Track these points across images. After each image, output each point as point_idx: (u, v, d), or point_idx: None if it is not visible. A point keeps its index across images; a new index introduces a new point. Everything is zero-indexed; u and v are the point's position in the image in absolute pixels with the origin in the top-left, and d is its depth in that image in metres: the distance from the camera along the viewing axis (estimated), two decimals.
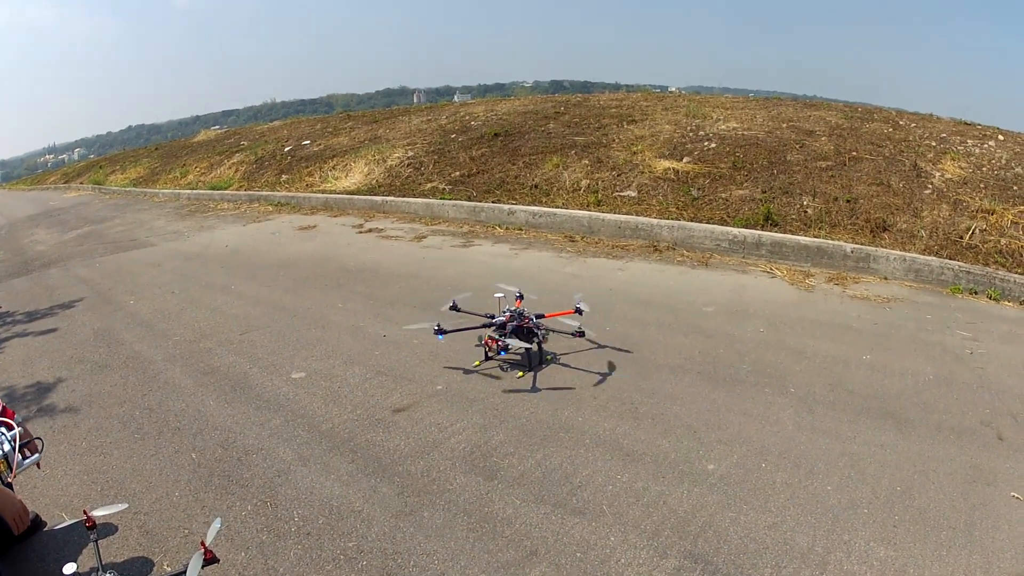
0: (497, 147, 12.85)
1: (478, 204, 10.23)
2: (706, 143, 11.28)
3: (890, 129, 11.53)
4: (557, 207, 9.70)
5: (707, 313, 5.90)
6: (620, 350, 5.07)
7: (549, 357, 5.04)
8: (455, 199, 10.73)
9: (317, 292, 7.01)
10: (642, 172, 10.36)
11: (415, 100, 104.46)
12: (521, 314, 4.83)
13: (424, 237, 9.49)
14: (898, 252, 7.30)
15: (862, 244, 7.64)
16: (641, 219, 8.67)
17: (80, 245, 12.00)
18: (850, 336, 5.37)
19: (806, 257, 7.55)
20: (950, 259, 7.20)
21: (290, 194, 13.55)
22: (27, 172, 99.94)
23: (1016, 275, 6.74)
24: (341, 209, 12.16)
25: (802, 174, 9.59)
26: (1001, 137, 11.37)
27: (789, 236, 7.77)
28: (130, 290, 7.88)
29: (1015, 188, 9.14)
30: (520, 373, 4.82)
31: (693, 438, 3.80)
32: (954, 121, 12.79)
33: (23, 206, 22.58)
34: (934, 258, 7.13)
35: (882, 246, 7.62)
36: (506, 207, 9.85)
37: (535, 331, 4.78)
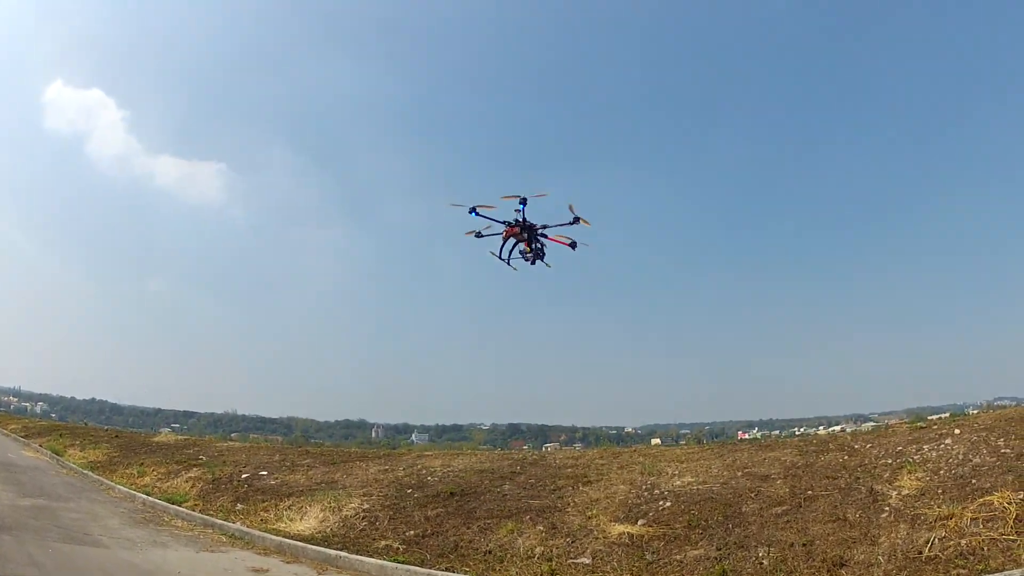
0: (452, 507, 13.30)
1: (432, 572, 10.44)
2: (661, 502, 11.71)
3: (845, 457, 12.10)
4: None
5: None
6: None
7: (548, 264, 7.22)
8: (408, 563, 10.93)
9: None
10: (596, 538, 10.69)
11: (374, 435, 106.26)
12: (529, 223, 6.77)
13: None
14: None
15: None
16: None
17: (35, 518, 12.12)
18: None
19: None
20: None
21: (245, 528, 13.63)
22: None
23: None
24: (294, 556, 12.25)
25: (757, 524, 9.93)
26: (957, 431, 12.09)
27: None
28: None
29: (974, 481, 9.60)
30: (531, 260, 7.44)
31: None
32: (910, 427, 13.75)
33: None
34: None
35: None
36: None
37: (538, 236, 6.76)
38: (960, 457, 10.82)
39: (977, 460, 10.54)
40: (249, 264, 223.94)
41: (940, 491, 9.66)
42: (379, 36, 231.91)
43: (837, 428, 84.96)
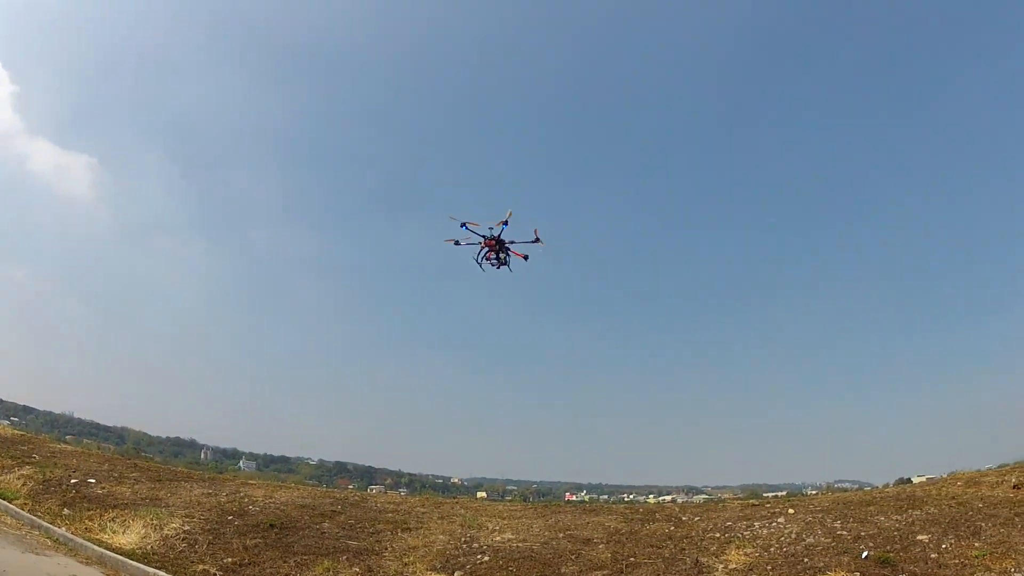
0: (271, 539, 14.08)
1: None
2: (479, 556, 12.42)
3: (671, 527, 12.82)
4: None
5: None
6: None
7: (511, 270, 12.93)
8: None
9: None
10: None
11: (203, 456, 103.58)
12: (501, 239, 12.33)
13: None
14: None
15: None
16: None
17: None
18: None
19: None
20: None
21: (70, 535, 14.09)
22: None
23: None
24: (115, 569, 12.74)
25: None
26: (792, 511, 12.81)
27: None
28: None
29: (807, 560, 10.16)
30: (495, 267, 12.45)
31: None
32: (742, 503, 14.71)
33: None
34: None
35: None
36: None
37: (505, 247, 12.47)
38: (793, 536, 11.42)
39: (811, 540, 11.15)
40: (110, 266, 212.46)
41: (770, 567, 10.24)
42: (276, 60, 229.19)
43: (667, 498, 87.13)
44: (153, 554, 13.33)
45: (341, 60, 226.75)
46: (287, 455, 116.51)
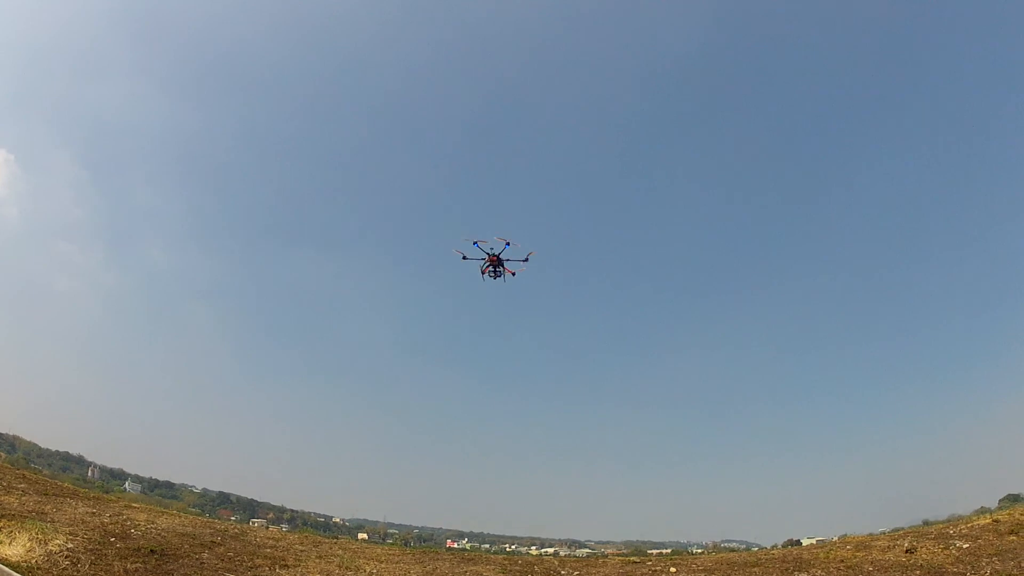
0: (151, 565, 14.56)
1: None
2: None
3: None
4: None
5: None
6: None
7: (504, 281, 16.51)
8: None
9: None
10: None
11: (90, 474, 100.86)
12: (500, 258, 15.87)
13: None
14: None
15: None
16: None
17: None
18: None
19: None
20: None
21: None
22: None
23: None
24: None
25: None
26: (674, 569, 13.09)
27: None
28: None
29: None
30: (492, 279, 15.88)
31: None
32: (623, 560, 14.94)
33: None
34: None
35: None
36: None
37: (502, 265, 15.87)
38: None
39: None
40: (12, 267, 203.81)
41: None
42: (196, 78, 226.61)
43: (550, 551, 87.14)
44: (37, 568, 13.66)
45: (257, 86, 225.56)
46: (172, 480, 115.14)
